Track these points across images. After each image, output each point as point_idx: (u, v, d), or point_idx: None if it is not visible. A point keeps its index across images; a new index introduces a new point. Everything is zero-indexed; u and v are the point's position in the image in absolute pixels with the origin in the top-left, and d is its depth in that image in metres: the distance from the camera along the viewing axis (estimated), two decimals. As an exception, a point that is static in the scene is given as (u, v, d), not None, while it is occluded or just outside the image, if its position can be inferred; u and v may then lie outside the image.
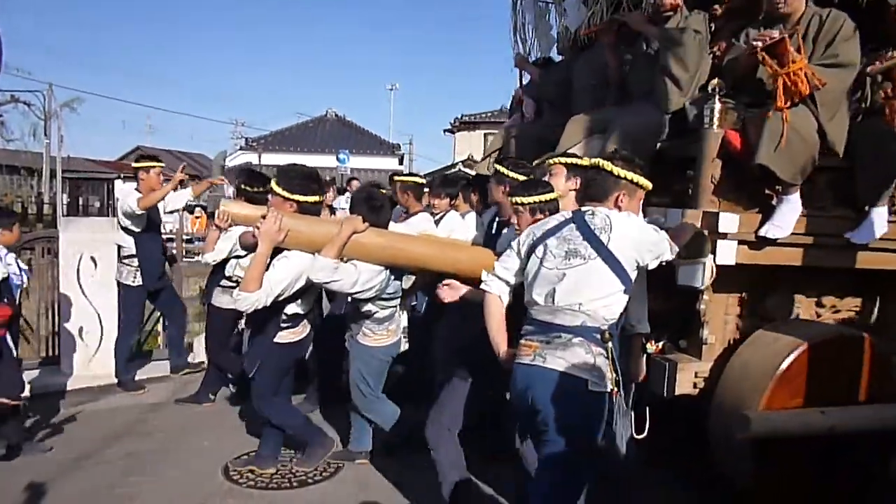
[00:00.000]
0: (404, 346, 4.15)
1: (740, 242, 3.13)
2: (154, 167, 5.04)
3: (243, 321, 4.69)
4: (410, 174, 5.23)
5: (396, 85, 37.51)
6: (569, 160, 3.14)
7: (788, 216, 3.15)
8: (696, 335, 3.39)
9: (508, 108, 5.36)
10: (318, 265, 3.12)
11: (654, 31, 3.55)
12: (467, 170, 31.43)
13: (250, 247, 3.53)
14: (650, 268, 2.57)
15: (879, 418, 3.13)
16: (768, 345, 3.23)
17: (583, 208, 2.59)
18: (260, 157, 28.84)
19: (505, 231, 3.35)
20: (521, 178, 3.64)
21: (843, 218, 3.30)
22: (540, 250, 2.54)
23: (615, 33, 3.79)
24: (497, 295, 2.68)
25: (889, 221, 3.29)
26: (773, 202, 3.21)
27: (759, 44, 2.97)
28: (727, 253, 3.08)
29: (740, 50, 3.28)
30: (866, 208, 3.26)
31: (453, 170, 31.67)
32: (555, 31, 4.87)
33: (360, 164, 30.11)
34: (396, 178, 4.84)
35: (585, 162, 3.03)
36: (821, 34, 3.14)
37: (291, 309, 3.46)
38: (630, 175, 2.56)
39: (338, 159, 27.79)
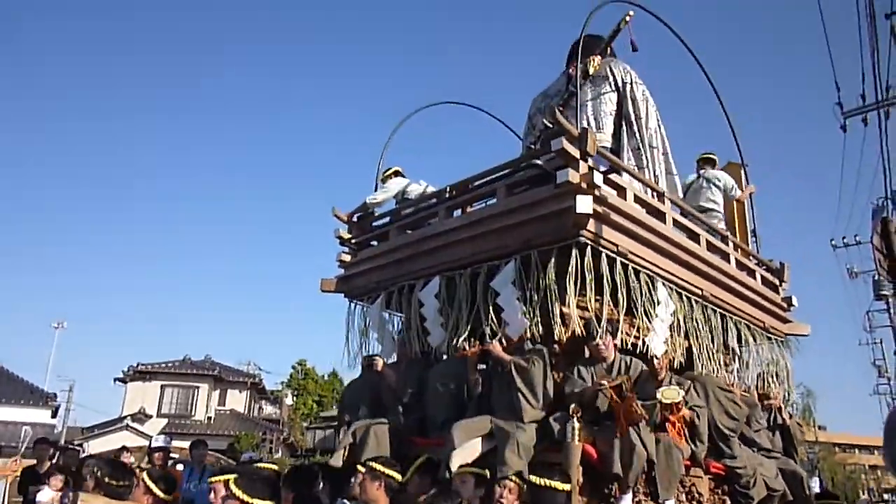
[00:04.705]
0: None
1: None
2: None
3: None
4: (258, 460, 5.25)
5: (63, 323, 32.97)
6: (477, 471, 3.88)
7: (626, 510, 4.20)
8: None
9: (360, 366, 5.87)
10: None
11: (508, 361, 4.61)
12: (137, 425, 28.70)
13: None
14: None
15: None
16: None
17: None
18: None
19: None
20: (397, 474, 4.23)
21: (651, 509, 4.47)
22: None
23: (478, 356, 4.79)
24: None
25: (675, 510, 4.55)
26: (612, 500, 4.25)
27: (606, 383, 4.20)
28: (598, 543, 3.94)
29: (578, 383, 4.49)
30: (664, 501, 4.49)
31: (121, 424, 28.71)
32: (394, 337, 5.74)
33: (1, 415, 25.63)
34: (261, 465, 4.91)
35: (484, 473, 3.81)
36: (629, 375, 4.51)
37: None
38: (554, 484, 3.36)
39: (-31, 413, 23.25)
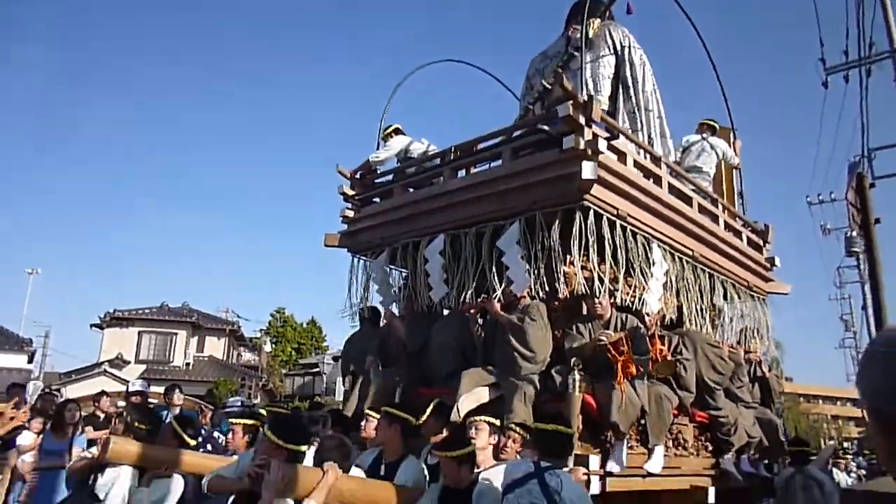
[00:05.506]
0: None
1: (597, 476, 4.37)
2: None
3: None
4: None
5: (38, 270, 32.83)
6: (491, 420, 4.14)
7: (622, 456, 4.52)
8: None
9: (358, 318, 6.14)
10: (307, 511, 3.40)
11: (504, 318, 4.84)
12: (115, 371, 28.81)
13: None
14: None
15: None
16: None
17: (542, 464, 3.55)
18: None
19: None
20: (411, 417, 4.49)
21: (642, 454, 4.81)
22: (510, 497, 3.37)
23: (478, 311, 5.04)
24: None
25: (664, 455, 4.91)
26: (609, 446, 4.57)
27: (605, 339, 4.48)
28: (595, 485, 4.27)
29: (577, 338, 4.75)
30: (653, 446, 4.83)
31: (98, 370, 28.76)
32: (396, 291, 5.95)
33: (-24, 361, 25.58)
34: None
35: (496, 422, 4.09)
36: (626, 331, 4.79)
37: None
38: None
39: (-53, 356, 23.33)
